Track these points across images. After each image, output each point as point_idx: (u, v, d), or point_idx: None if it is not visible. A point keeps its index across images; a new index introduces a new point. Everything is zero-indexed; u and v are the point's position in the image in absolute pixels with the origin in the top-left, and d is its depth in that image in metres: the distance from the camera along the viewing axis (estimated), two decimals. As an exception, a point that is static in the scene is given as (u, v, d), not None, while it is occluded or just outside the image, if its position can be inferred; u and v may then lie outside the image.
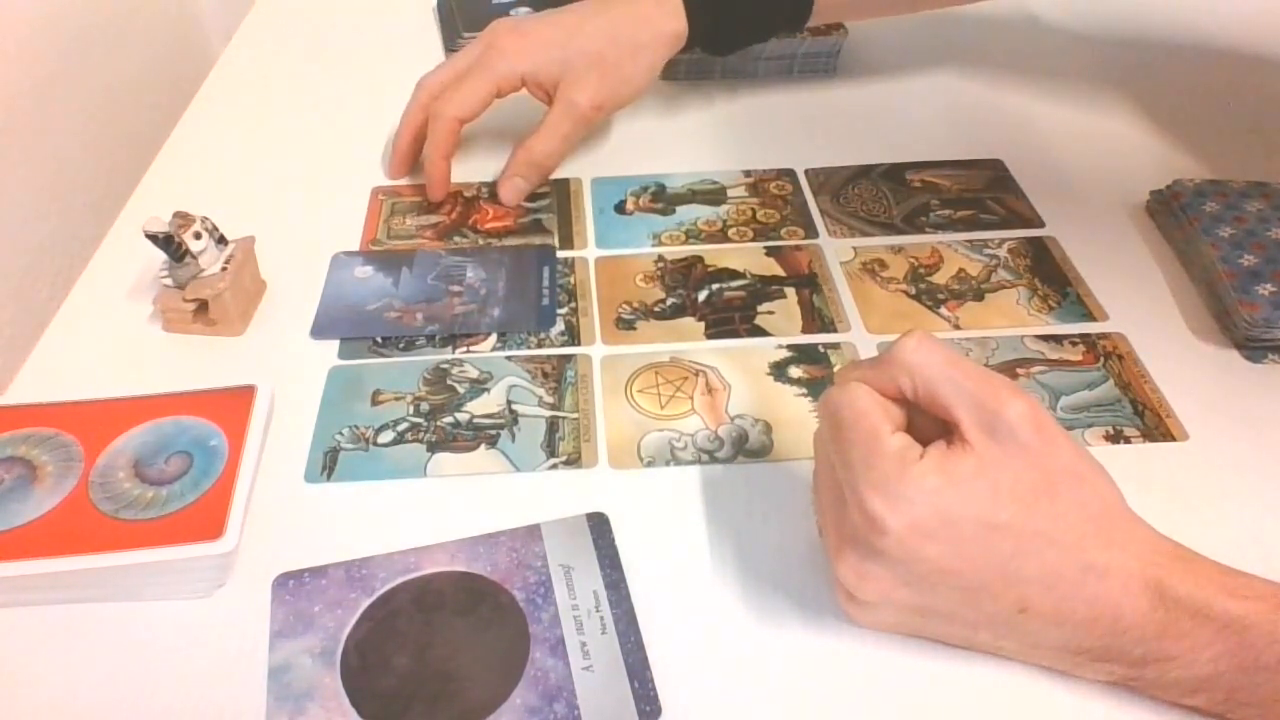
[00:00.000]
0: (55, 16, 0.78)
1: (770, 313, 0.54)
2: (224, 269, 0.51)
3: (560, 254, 0.58)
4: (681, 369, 0.51)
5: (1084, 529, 0.34)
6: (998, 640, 0.37)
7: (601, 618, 0.40)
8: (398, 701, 0.37)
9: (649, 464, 0.46)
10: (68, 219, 0.78)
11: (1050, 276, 0.56)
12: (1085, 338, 0.52)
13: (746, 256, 0.58)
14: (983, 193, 0.63)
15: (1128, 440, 0.47)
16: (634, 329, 0.53)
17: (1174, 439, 0.47)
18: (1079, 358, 0.51)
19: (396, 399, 0.49)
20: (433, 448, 0.47)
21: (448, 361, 0.51)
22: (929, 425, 0.36)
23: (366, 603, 0.40)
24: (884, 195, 0.63)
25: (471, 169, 0.65)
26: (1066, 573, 0.34)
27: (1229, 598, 0.33)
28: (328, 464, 0.46)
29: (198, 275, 0.51)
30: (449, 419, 0.48)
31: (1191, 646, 0.33)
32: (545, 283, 0.56)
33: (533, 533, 0.43)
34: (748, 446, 0.47)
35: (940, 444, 0.35)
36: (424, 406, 0.49)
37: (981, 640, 0.37)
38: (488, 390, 0.50)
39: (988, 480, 0.34)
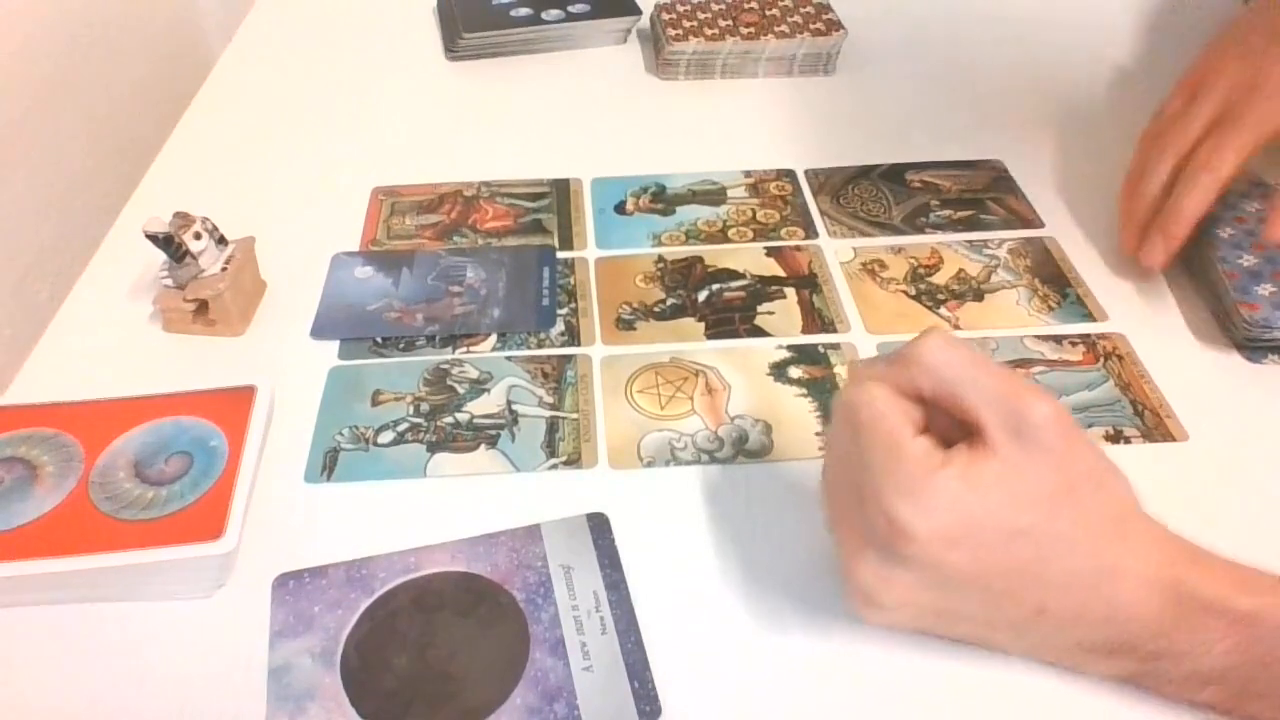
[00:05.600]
0: (56, 18, 0.78)
1: (770, 313, 0.54)
2: (224, 269, 0.51)
3: (560, 254, 0.58)
4: (681, 369, 0.51)
5: (1102, 531, 0.34)
6: (1013, 640, 0.37)
7: (601, 618, 0.40)
8: (398, 701, 0.37)
9: (649, 464, 0.46)
10: (68, 219, 0.78)
11: (1050, 276, 0.56)
12: (1085, 338, 0.52)
13: (746, 257, 0.58)
14: (983, 193, 0.63)
15: (1128, 440, 0.47)
16: (634, 329, 0.53)
17: (1174, 439, 0.47)
18: (1079, 358, 0.51)
19: (396, 399, 0.49)
20: (433, 448, 0.47)
21: (448, 362, 0.51)
22: (946, 423, 0.36)
23: (366, 603, 0.40)
24: (884, 195, 0.63)
25: (472, 168, 0.65)
26: (1084, 575, 0.34)
27: (1242, 593, 0.34)
28: (328, 464, 0.46)
29: (198, 275, 0.51)
30: (449, 419, 0.48)
31: (1204, 640, 0.34)
32: (545, 283, 0.56)
33: (533, 533, 0.43)
34: (747, 447, 0.47)
35: (962, 448, 0.34)
36: (424, 407, 0.49)
37: (996, 640, 0.37)
38: (488, 390, 0.50)
39: (1011, 485, 0.34)
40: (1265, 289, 0.51)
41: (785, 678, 0.38)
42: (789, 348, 0.52)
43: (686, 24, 0.75)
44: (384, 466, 0.46)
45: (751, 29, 0.74)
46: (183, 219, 0.51)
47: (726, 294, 0.56)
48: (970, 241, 0.59)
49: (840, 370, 0.51)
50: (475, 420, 0.48)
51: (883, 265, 0.57)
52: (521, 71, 0.76)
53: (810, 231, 0.60)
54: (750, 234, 0.60)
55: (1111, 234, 0.59)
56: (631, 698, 0.37)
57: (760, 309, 0.54)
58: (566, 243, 0.59)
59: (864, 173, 0.65)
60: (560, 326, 0.53)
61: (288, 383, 0.49)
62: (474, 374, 0.51)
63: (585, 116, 0.71)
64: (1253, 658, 0.33)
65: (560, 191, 0.63)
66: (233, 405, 0.46)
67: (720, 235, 0.60)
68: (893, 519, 0.34)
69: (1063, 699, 0.37)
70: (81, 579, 0.40)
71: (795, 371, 0.51)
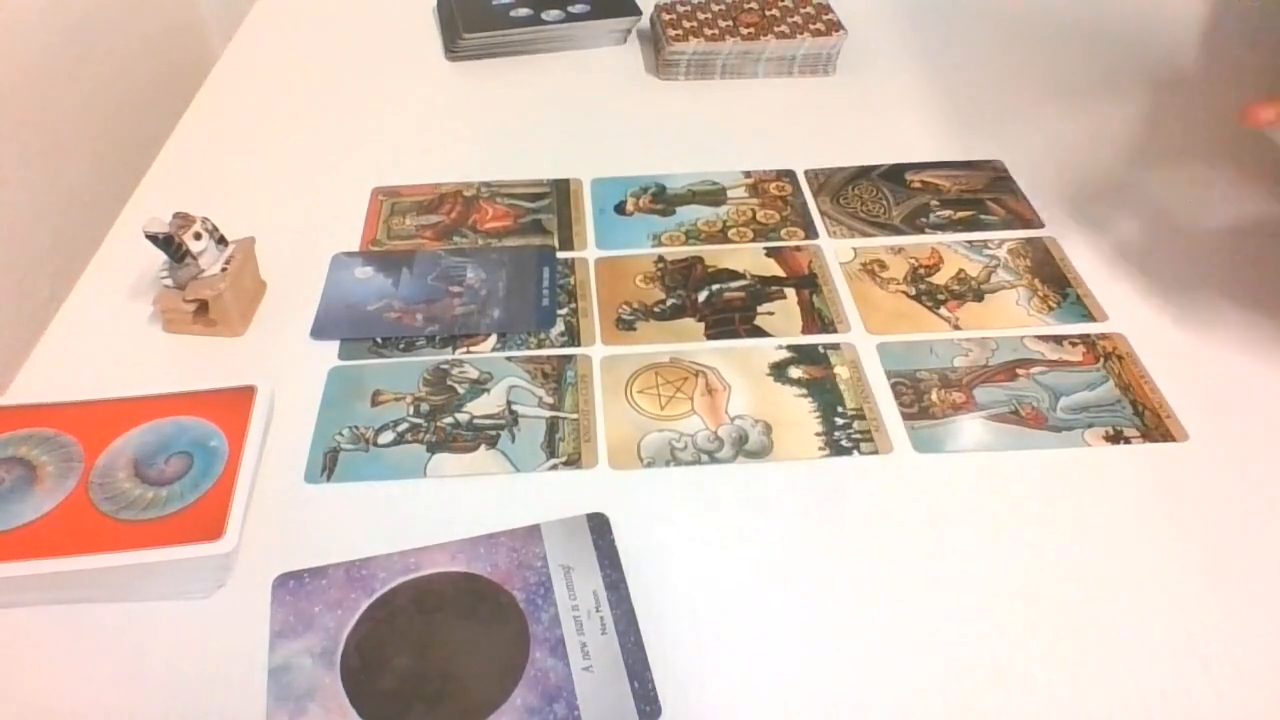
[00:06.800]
0: (56, 18, 0.78)
1: (770, 313, 0.54)
2: (224, 269, 0.51)
3: (560, 254, 0.58)
4: (681, 369, 0.51)
5: None
6: None
7: (601, 618, 0.40)
8: (398, 701, 0.37)
9: (649, 464, 0.46)
10: (68, 219, 0.78)
11: (1050, 277, 0.56)
12: (1085, 338, 0.52)
13: (746, 257, 0.58)
14: (983, 193, 0.63)
15: (1128, 440, 0.47)
16: (634, 329, 0.53)
17: (1174, 439, 0.47)
18: (1079, 358, 0.51)
19: (396, 399, 0.49)
20: (433, 448, 0.47)
21: (448, 362, 0.51)
22: None
23: (366, 603, 0.40)
24: (884, 195, 0.63)
25: (472, 168, 0.65)
26: None
27: None
28: (328, 464, 0.46)
29: (198, 276, 0.51)
30: (449, 419, 0.48)
31: None
32: (545, 283, 0.56)
33: (533, 533, 0.43)
34: (747, 447, 0.47)
35: None
36: (424, 407, 0.49)
37: None
38: (488, 391, 0.50)
39: None
40: None
41: (785, 678, 0.38)
42: (789, 348, 0.52)
43: (686, 24, 0.75)
44: (384, 466, 0.46)
45: (751, 29, 0.74)
46: (183, 219, 0.51)
47: (726, 294, 0.56)
48: (970, 241, 0.59)
49: (840, 370, 0.51)
50: (475, 420, 0.48)
51: (883, 265, 0.57)
52: (521, 71, 0.76)
53: (810, 232, 0.60)
54: (750, 234, 0.60)
55: (1111, 234, 0.59)
56: (631, 698, 0.37)
57: (760, 309, 0.54)
58: (566, 243, 0.59)
59: (864, 173, 0.65)
60: (560, 326, 0.53)
61: (288, 383, 0.49)
62: (474, 374, 0.51)
63: (585, 116, 0.71)
64: None
65: (560, 191, 0.63)
66: (233, 405, 0.46)
67: (720, 235, 0.60)
68: None
69: (1068, 697, 0.37)
70: (81, 579, 0.40)
71: (795, 371, 0.51)
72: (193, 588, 0.41)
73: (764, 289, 0.56)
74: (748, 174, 0.65)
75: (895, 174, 0.65)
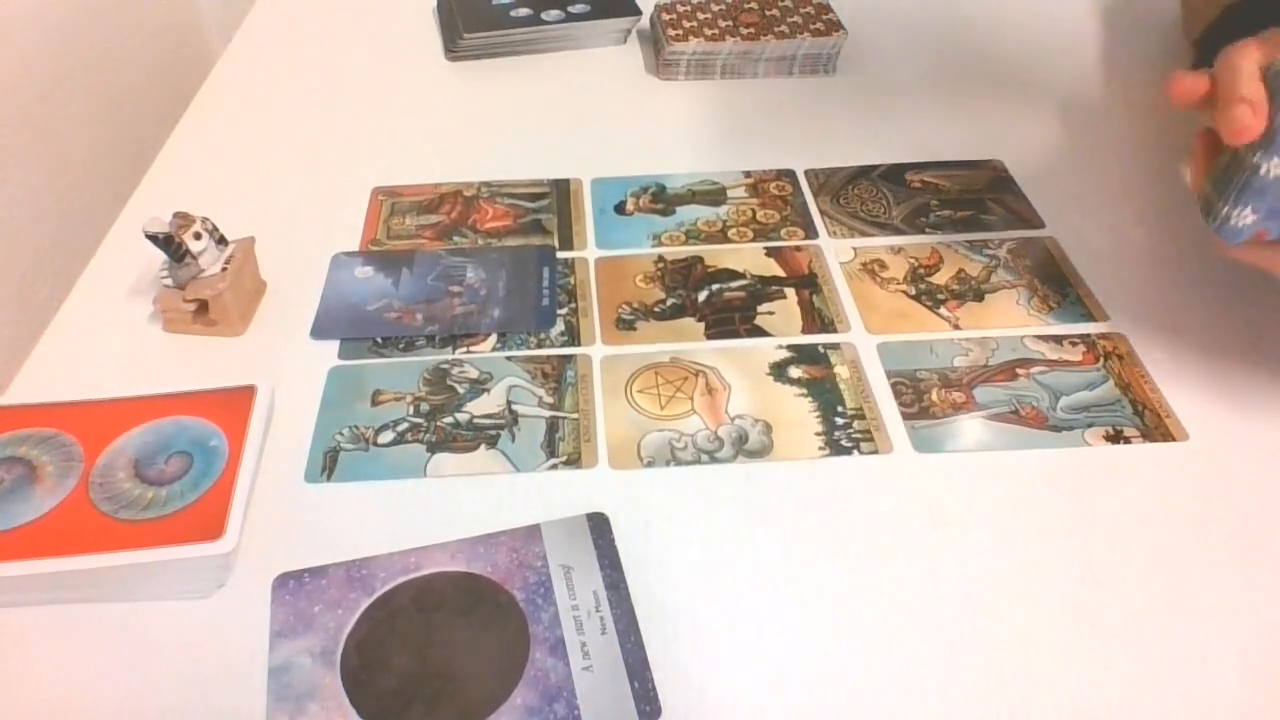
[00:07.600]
0: (57, 19, 0.78)
1: (770, 313, 0.54)
2: (224, 269, 0.52)
3: (560, 254, 0.58)
4: (681, 369, 0.51)
5: None
6: None
7: (601, 618, 0.40)
8: (398, 701, 0.37)
9: (649, 464, 0.46)
10: (68, 219, 0.78)
11: (1050, 276, 0.56)
12: (1085, 338, 0.52)
13: (746, 257, 0.58)
14: (983, 193, 0.63)
15: (1128, 440, 0.47)
16: (634, 329, 0.53)
17: (1174, 439, 0.47)
18: (1079, 358, 0.51)
19: (396, 399, 0.49)
20: (433, 448, 0.47)
21: (448, 362, 0.51)
22: None
23: (366, 603, 0.40)
24: (884, 195, 0.63)
25: (472, 168, 0.65)
26: None
27: None
28: (328, 464, 0.46)
29: (198, 275, 0.51)
30: (449, 419, 0.48)
31: None
32: (545, 283, 0.56)
33: (533, 533, 0.43)
34: (747, 447, 0.47)
35: None
36: (424, 406, 0.49)
37: None
38: (488, 390, 0.50)
39: None
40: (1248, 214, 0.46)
41: (784, 677, 0.38)
42: (789, 348, 0.52)
43: (686, 24, 0.75)
44: (384, 466, 0.46)
45: (751, 29, 0.74)
46: (183, 219, 0.51)
47: (726, 294, 0.56)
48: (970, 241, 0.59)
49: (840, 370, 0.51)
50: (475, 420, 0.48)
51: (883, 265, 0.57)
52: (521, 71, 0.76)
53: (810, 231, 0.60)
54: (750, 234, 0.60)
55: (1111, 234, 0.59)
56: (631, 698, 0.37)
57: (760, 309, 0.55)
58: (566, 243, 0.59)
59: (864, 173, 0.65)
60: (560, 326, 0.53)
61: (288, 383, 0.49)
62: (474, 374, 0.51)
63: (585, 116, 0.71)
64: None
65: (560, 191, 0.63)
66: (233, 405, 0.46)
67: (720, 235, 0.60)
68: None
69: (1069, 699, 0.37)
70: (81, 579, 0.40)
71: (795, 371, 0.51)
72: (193, 587, 0.41)
73: (764, 289, 0.56)
74: (748, 174, 0.65)
75: (895, 174, 0.65)
